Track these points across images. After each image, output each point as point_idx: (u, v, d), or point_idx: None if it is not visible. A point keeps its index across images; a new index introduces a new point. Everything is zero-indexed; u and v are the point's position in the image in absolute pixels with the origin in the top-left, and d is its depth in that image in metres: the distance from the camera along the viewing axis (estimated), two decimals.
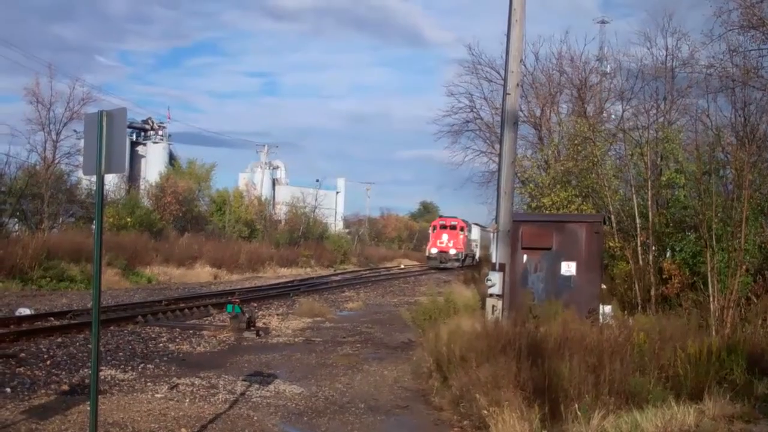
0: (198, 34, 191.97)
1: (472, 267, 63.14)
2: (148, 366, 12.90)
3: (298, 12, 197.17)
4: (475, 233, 71.89)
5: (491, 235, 74.92)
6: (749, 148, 16.19)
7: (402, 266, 68.54)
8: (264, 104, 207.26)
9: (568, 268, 16.13)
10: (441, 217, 68.26)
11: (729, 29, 19.83)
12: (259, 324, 18.33)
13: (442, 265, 60.75)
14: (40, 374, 11.64)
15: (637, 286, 17.26)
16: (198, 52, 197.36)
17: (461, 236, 64.22)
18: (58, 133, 41.44)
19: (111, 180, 47.45)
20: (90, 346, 7.36)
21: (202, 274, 39.23)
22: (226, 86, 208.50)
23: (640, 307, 16.47)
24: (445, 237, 63.41)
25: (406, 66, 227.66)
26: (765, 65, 20.14)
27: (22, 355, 13.01)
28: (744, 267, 14.56)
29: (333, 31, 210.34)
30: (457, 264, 61.11)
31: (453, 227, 64.64)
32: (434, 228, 66.21)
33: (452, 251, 62.70)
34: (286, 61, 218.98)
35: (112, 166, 7.29)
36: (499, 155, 15.12)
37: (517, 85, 14.99)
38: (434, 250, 63.22)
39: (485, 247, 73.40)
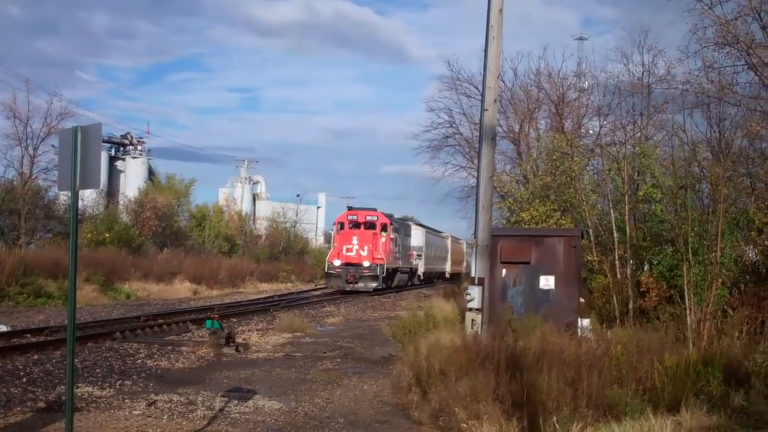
0: (181, 50, 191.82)
1: (412, 287, 50.50)
2: (125, 382, 12.80)
3: (282, 28, 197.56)
4: (418, 238, 54.95)
5: (447, 243, 62.94)
6: (724, 163, 16.36)
7: None
8: (246, 120, 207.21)
9: (547, 282, 16.19)
10: (351, 209, 45.18)
11: (704, 46, 20.00)
12: (239, 340, 18.24)
13: (349, 286, 41.09)
14: (16, 391, 11.53)
15: (615, 299, 17.34)
16: (179, 67, 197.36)
17: (382, 240, 43.22)
18: (35, 149, 41.38)
19: (89, 195, 47.32)
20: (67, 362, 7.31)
21: (181, 289, 39.12)
22: (207, 102, 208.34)
23: (618, 321, 16.53)
24: (355, 241, 42.20)
25: (389, 82, 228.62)
26: (740, 81, 20.35)
27: None
28: (720, 280, 14.68)
29: (316, 47, 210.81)
30: (374, 284, 41.32)
31: (370, 225, 43.43)
32: (340, 226, 44.33)
33: (366, 263, 41.43)
34: (268, 76, 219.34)
35: (87, 181, 7.28)
36: (478, 170, 15.20)
37: (495, 100, 15.07)
38: (336, 262, 41.93)
39: (437, 259, 63.16)
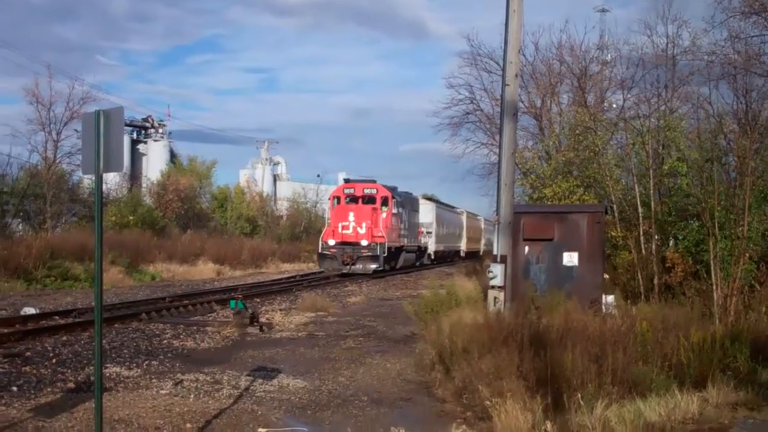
0: (199, 31, 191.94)
1: (421, 268, 46.85)
2: (152, 362, 12.90)
3: (299, 7, 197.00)
4: (427, 213, 50.40)
5: (462, 219, 58.45)
6: (751, 135, 16.17)
7: None
8: (264, 100, 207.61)
9: (570, 258, 16.13)
10: (348, 182, 41.90)
11: (730, 15, 19.85)
12: (263, 319, 18.31)
13: (345, 269, 36.37)
14: (46, 373, 11.65)
15: (639, 275, 17.23)
16: (198, 49, 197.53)
17: (383, 215, 38.78)
18: (58, 133, 41.68)
19: (113, 179, 47.60)
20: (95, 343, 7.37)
21: (205, 270, 39.35)
22: (226, 83, 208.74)
23: (642, 297, 16.44)
24: (351, 217, 37.42)
25: (408, 59, 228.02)
26: (767, 51, 20.13)
27: (28, 354, 13.02)
28: (747, 255, 14.54)
29: (333, 25, 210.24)
30: (374, 266, 36.70)
31: (369, 199, 39.13)
32: (336, 201, 40.26)
33: (364, 242, 36.77)
34: (286, 56, 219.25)
35: (110, 165, 7.29)
36: (499, 147, 15.12)
37: (516, 75, 14.97)
38: (331, 242, 37.16)
39: (450, 236, 59.02)
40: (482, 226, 71.68)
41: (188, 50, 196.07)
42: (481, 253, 64.00)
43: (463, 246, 63.90)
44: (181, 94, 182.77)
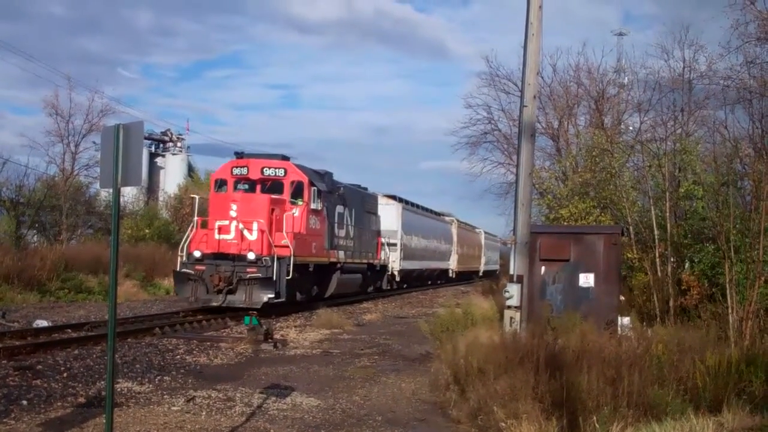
0: (221, 47, 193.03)
1: (375, 295, 34.72)
2: (164, 378, 12.89)
3: (322, 26, 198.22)
4: (391, 217, 37.80)
5: (450, 229, 52.20)
6: (767, 160, 16.17)
7: None
8: (284, 116, 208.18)
9: (587, 279, 16.06)
10: (240, 156, 26.07)
11: (746, 41, 19.90)
12: (277, 336, 18.31)
13: (218, 299, 22.13)
14: (57, 387, 11.64)
15: (655, 297, 17.20)
16: (220, 64, 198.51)
17: (294, 212, 24.36)
18: (76, 145, 42.24)
19: (129, 191, 47.77)
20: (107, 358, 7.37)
21: None
22: (246, 98, 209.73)
23: (658, 319, 16.39)
24: (234, 212, 22.88)
25: (428, 78, 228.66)
26: None
27: (39, 367, 13.00)
28: (763, 278, 14.49)
29: (356, 43, 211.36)
30: (266, 295, 22.13)
31: (273, 186, 24.87)
32: (220, 186, 25.55)
33: (251, 255, 22.18)
34: (307, 73, 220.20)
35: (128, 179, 7.33)
36: (517, 167, 15.12)
37: (534, 97, 14.98)
38: (197, 254, 22.77)
39: (431, 252, 46.85)
40: (482, 241, 64.25)
41: (209, 65, 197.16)
42: (480, 273, 58.25)
43: (452, 264, 52.69)
44: (201, 109, 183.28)
